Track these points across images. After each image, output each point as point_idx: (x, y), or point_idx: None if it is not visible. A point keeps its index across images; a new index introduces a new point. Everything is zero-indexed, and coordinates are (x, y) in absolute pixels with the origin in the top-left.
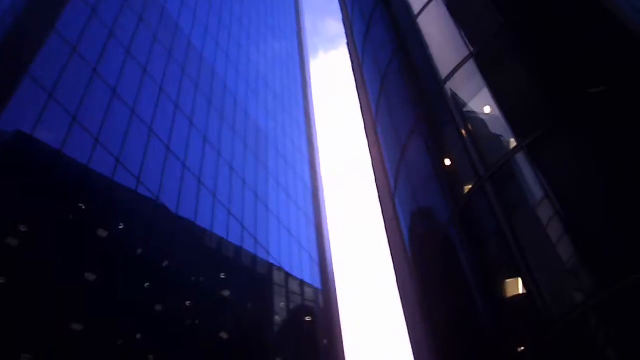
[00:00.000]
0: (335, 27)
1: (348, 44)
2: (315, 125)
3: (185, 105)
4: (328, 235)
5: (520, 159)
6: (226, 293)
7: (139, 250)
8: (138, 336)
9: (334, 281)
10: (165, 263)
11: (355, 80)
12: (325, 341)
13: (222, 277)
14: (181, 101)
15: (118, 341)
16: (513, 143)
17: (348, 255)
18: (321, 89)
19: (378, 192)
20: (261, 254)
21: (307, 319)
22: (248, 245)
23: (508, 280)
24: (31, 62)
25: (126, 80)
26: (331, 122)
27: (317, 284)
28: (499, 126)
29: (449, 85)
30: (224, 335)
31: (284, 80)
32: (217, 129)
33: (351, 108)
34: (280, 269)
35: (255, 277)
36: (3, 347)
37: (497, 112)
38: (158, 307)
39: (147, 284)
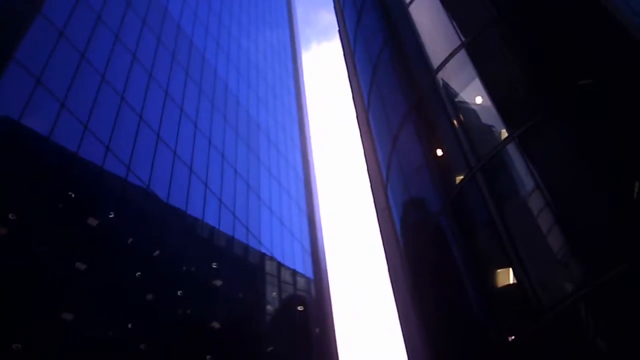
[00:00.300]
0: (327, 18)
1: (340, 33)
2: (307, 115)
3: (176, 94)
4: (320, 225)
5: (512, 149)
6: (218, 282)
7: (130, 240)
8: (129, 325)
9: (326, 271)
10: (156, 252)
11: (347, 70)
12: (317, 330)
13: (214, 266)
14: (172, 89)
15: (109, 331)
16: (504, 134)
17: (340, 245)
18: (314, 79)
19: (370, 182)
20: (253, 244)
21: (299, 308)
22: (240, 235)
23: (499, 271)
24: (17, 46)
25: (115, 66)
26: (324, 112)
27: (309, 273)
28: (490, 117)
29: (440, 75)
30: (215, 324)
31: (276, 69)
32: (208, 117)
33: (344, 99)
34: (272, 258)
35: (247, 267)
36: None
37: (489, 103)
38: (149, 297)
39: (138, 274)
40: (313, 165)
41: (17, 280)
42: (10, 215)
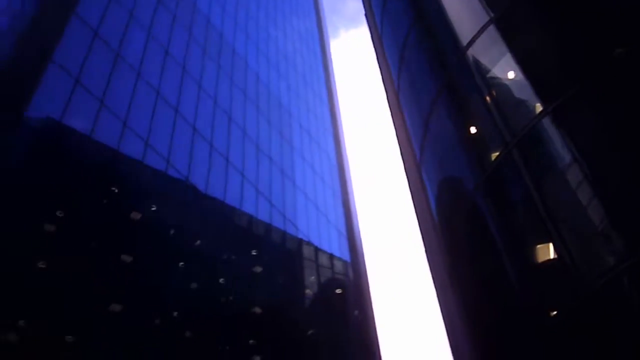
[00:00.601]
0: (354, 5)
1: (367, 18)
2: (338, 100)
3: (209, 86)
4: (355, 209)
5: (547, 123)
6: (258, 269)
7: (172, 231)
8: (175, 314)
9: (362, 254)
10: (197, 242)
11: (376, 54)
12: (356, 312)
13: (254, 253)
14: (204, 82)
15: (155, 320)
16: (539, 108)
17: (376, 227)
18: (343, 66)
19: (404, 162)
20: (290, 230)
21: (338, 291)
22: (277, 222)
23: (538, 246)
24: (54, 48)
25: (149, 62)
26: (354, 97)
27: (346, 257)
28: (523, 91)
29: (470, 52)
30: (257, 310)
31: (305, 57)
32: (241, 107)
33: (373, 83)
34: (309, 243)
35: (285, 253)
36: (46, 330)
37: (521, 77)
38: (193, 286)
39: (181, 264)
40: (345, 149)
41: (68, 275)
42: (58, 213)
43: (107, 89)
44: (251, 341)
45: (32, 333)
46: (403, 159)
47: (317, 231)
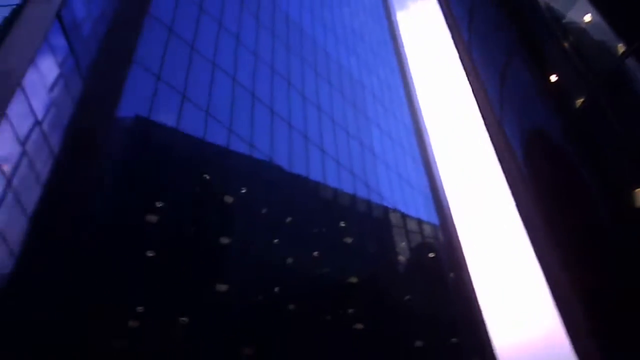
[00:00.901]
0: None
1: None
2: (408, 67)
3: (281, 67)
4: (438, 172)
5: (631, 63)
6: (348, 240)
7: (264, 210)
8: (276, 289)
9: (450, 215)
10: (288, 219)
11: (444, 14)
12: (451, 274)
13: (342, 225)
14: (276, 64)
15: (259, 296)
16: (621, 48)
17: (461, 186)
18: (411, 33)
19: (484, 120)
20: (375, 199)
21: (430, 255)
22: (361, 192)
23: (637, 190)
24: (134, 49)
25: (222, 51)
26: (425, 63)
27: (435, 220)
28: (603, 33)
29: (543, 0)
30: (353, 279)
31: (371, 28)
32: (313, 84)
33: (444, 48)
34: (395, 210)
35: (373, 222)
36: (160, 313)
37: (599, 19)
38: (289, 260)
39: (275, 240)
40: (421, 114)
41: (173, 261)
42: (157, 204)
43: (186, 81)
44: (350, 310)
45: (151, 318)
46: (483, 116)
47: (401, 198)
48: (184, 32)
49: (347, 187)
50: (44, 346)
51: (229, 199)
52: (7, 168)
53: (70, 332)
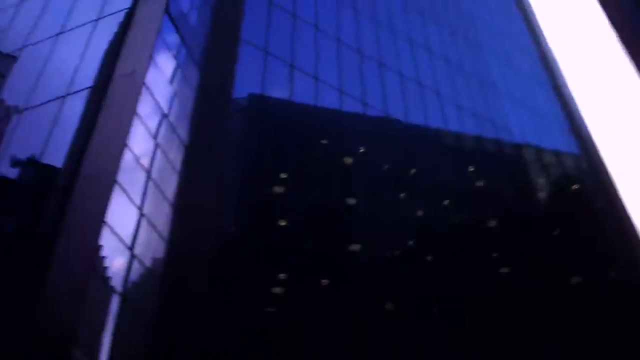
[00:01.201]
0: None
1: None
2: None
3: (382, 16)
4: (571, 96)
5: None
6: (480, 184)
7: (385, 166)
8: (410, 243)
9: (592, 141)
10: (412, 171)
11: None
12: (601, 205)
13: (471, 169)
14: (377, 13)
15: (395, 251)
16: None
17: (598, 108)
18: None
19: (619, 35)
20: (504, 136)
21: (574, 187)
22: (487, 132)
23: None
24: (240, 27)
25: (323, 14)
26: None
27: (574, 149)
28: None
29: None
30: (491, 223)
31: None
32: (419, 26)
33: None
34: (528, 145)
35: (504, 161)
36: (301, 278)
37: None
38: (419, 213)
39: (402, 195)
40: (544, 35)
41: (305, 227)
42: (281, 175)
43: (292, 50)
44: (494, 254)
45: (292, 284)
46: (618, 34)
47: (533, 131)
48: (283, 1)
49: (470, 129)
50: (200, 323)
51: (348, 160)
52: (145, 162)
53: (220, 307)
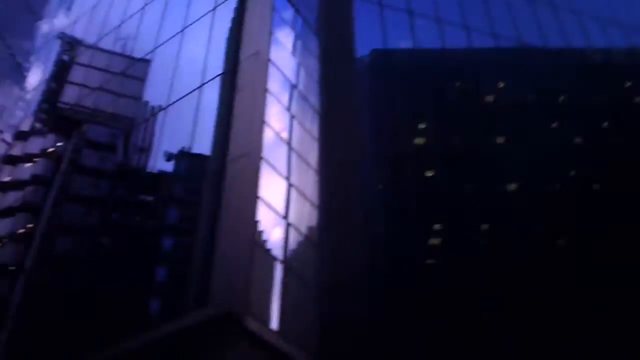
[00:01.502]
0: None
1: None
2: None
3: None
4: None
5: None
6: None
7: (530, 97)
8: (572, 173)
9: None
10: (561, 98)
11: None
12: None
13: (628, 84)
14: None
15: (554, 185)
16: None
17: None
18: None
19: None
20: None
21: None
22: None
23: None
24: None
25: None
26: None
27: None
28: None
29: None
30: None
31: None
32: None
33: None
34: None
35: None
36: (458, 226)
37: None
38: (577, 140)
39: (554, 124)
40: None
41: (454, 174)
42: (419, 126)
43: None
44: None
45: (449, 233)
46: None
47: None
48: None
49: (620, 41)
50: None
51: (489, 98)
52: (285, 135)
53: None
